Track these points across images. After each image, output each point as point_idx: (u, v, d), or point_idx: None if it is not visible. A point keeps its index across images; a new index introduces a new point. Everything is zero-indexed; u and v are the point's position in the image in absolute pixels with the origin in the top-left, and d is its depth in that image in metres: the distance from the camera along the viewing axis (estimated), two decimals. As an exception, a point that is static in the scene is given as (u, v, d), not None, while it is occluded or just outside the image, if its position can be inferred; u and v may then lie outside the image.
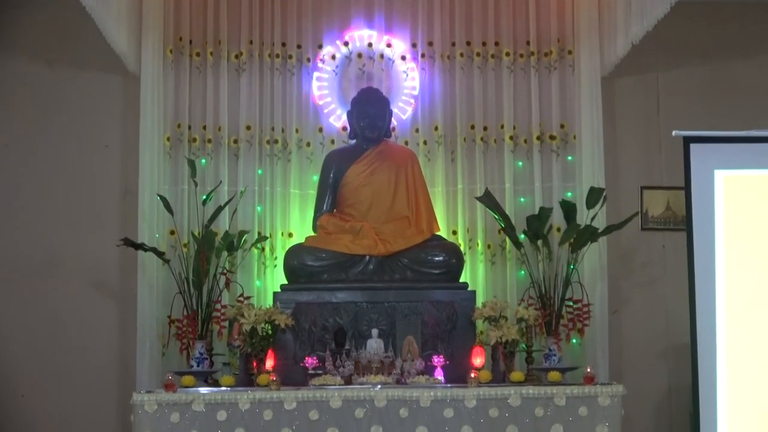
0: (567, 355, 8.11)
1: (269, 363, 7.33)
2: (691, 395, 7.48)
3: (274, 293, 8.03)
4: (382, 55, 8.92)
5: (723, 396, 4.89)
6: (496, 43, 8.85)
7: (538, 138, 8.72)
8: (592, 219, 8.10)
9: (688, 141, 4.96)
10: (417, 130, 8.83)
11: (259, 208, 8.61)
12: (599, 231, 8.10)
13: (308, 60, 8.86)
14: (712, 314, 4.91)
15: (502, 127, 8.75)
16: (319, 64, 8.88)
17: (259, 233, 8.49)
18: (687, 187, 4.83)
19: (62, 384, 8.41)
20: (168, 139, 8.54)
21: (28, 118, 8.72)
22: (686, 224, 4.79)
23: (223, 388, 7.24)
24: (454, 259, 8.14)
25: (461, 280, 8.19)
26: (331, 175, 8.48)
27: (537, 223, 8.18)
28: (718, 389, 4.87)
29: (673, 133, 4.85)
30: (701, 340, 4.86)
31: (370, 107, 8.48)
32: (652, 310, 8.77)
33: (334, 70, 8.92)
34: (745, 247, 5.00)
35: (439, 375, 7.45)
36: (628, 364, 8.63)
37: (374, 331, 7.67)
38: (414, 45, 8.92)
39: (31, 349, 8.44)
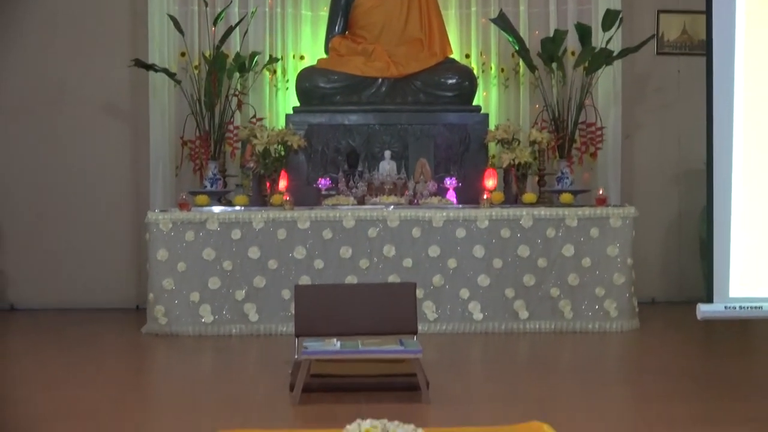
0: (579, 178, 8.12)
1: (282, 184, 7.36)
2: (701, 220, 7.54)
3: (287, 115, 8.00)
4: None
5: (738, 220, 4.87)
6: None
7: (555, -42, 8.54)
8: (608, 42, 7.99)
9: (711, -46, 4.83)
10: (430, -49, 8.63)
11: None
12: (614, 54, 8.00)
13: None
14: (729, 138, 4.84)
15: (518, -53, 8.56)
16: None
17: (270, 55, 8.38)
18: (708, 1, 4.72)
19: (77, 205, 8.45)
20: (177, -43, 8.38)
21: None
22: (706, 40, 4.70)
23: (237, 208, 7.29)
24: (467, 81, 8.09)
25: (474, 103, 8.15)
26: (343, -4, 8.35)
27: (551, 46, 8.08)
28: (733, 213, 4.84)
29: (697, -55, 4.73)
30: (717, 165, 4.81)
31: (382, -75, 8.27)
32: (665, 136, 8.73)
33: None
34: (766, 67, 4.90)
35: (451, 197, 7.49)
36: (639, 189, 8.65)
37: (387, 153, 7.69)
38: None
39: (44, 172, 8.45)
